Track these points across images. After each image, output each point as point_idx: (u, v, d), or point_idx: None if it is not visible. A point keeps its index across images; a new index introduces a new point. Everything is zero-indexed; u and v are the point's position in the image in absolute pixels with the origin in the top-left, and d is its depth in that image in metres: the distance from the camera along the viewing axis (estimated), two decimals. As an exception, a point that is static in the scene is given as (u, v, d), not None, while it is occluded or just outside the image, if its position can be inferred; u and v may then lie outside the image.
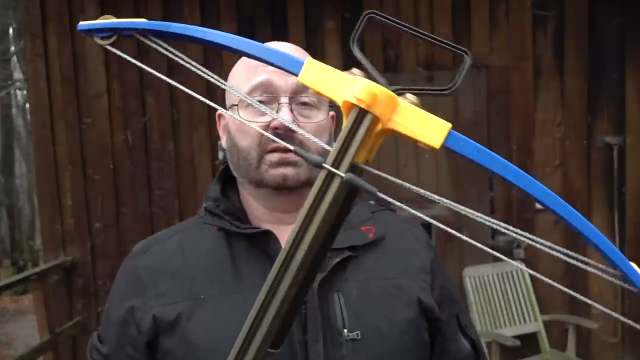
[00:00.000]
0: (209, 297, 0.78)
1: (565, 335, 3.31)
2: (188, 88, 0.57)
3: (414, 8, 3.59)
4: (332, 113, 0.87)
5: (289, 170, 0.79)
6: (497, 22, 3.56)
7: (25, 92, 9.15)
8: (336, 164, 0.51)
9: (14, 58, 10.43)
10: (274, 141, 0.76)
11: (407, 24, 0.54)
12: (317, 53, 0.83)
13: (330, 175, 0.51)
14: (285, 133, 0.77)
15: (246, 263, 0.80)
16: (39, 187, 3.96)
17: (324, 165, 0.50)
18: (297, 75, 0.53)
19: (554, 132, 3.55)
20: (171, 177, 3.76)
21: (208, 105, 0.56)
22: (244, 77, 0.82)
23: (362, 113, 0.50)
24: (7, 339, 6.28)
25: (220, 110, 0.91)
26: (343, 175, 0.50)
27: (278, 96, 0.79)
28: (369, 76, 0.51)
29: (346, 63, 3.64)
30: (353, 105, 0.50)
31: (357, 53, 0.54)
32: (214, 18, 3.67)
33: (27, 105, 8.62)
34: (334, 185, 0.51)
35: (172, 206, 3.74)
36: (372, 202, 0.99)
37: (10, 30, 10.39)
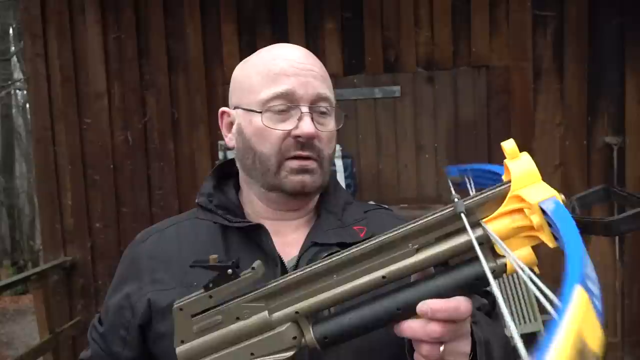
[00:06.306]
0: (201, 285, 0.79)
1: (565, 335, 3.31)
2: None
3: (414, 9, 3.59)
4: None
5: (307, 178, 0.82)
6: (497, 22, 3.56)
7: (25, 92, 9.14)
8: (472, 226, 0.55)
9: (14, 58, 10.43)
10: (294, 148, 0.80)
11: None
12: (317, 53, 0.83)
13: (462, 230, 0.55)
14: (306, 142, 0.80)
15: (239, 255, 0.81)
16: (39, 187, 3.96)
17: (462, 216, 0.54)
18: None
19: (553, 132, 3.55)
20: (171, 177, 3.76)
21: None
22: (262, 83, 0.83)
23: (522, 211, 0.54)
24: (7, 339, 6.28)
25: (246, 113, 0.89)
26: (474, 238, 0.53)
27: (299, 105, 0.81)
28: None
29: (345, 63, 3.64)
30: (522, 201, 0.53)
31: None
32: (214, 18, 3.67)
33: (27, 105, 8.61)
34: (462, 240, 0.57)
35: (172, 206, 3.74)
36: (371, 202, 0.99)
37: (10, 30, 10.39)
